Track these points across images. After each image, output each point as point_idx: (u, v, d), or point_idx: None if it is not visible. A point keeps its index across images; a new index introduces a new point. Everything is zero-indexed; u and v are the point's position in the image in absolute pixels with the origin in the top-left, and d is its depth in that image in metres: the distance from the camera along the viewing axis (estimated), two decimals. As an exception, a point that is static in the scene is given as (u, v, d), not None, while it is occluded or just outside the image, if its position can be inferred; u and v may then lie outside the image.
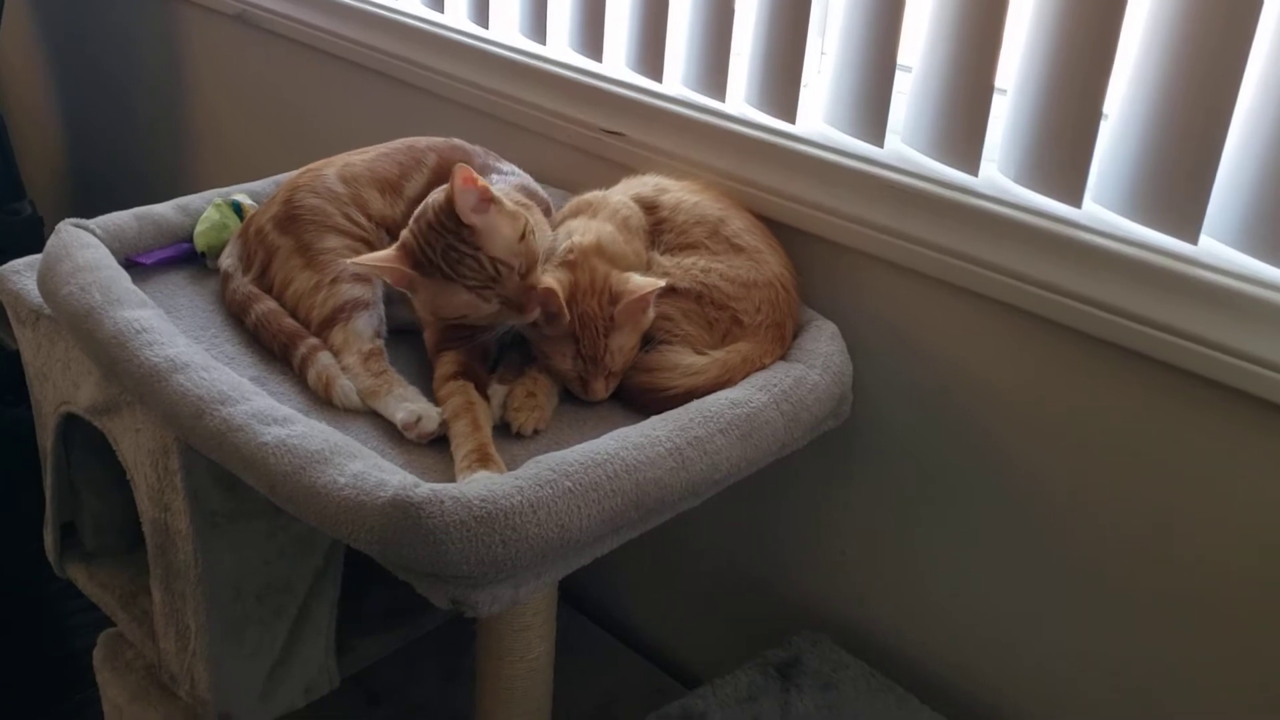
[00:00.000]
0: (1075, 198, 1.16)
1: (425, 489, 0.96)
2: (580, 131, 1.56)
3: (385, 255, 1.15)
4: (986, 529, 1.31)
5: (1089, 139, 1.13)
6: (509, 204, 1.14)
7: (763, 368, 1.20)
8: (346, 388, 1.17)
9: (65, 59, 2.81)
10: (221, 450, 1.07)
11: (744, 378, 1.19)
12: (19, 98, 3.00)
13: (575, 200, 1.34)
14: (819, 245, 1.34)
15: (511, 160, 1.42)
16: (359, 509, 0.97)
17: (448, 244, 1.12)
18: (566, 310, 1.16)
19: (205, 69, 2.32)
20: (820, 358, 1.23)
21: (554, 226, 1.31)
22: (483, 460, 1.06)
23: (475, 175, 1.11)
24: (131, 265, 1.37)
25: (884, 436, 1.37)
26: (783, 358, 1.24)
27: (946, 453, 1.32)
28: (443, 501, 0.94)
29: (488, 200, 1.12)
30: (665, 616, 1.75)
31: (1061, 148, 1.16)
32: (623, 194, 1.34)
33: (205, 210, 1.43)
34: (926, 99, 1.26)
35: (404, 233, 1.16)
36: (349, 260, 1.18)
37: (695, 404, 1.13)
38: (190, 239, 1.43)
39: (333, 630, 1.37)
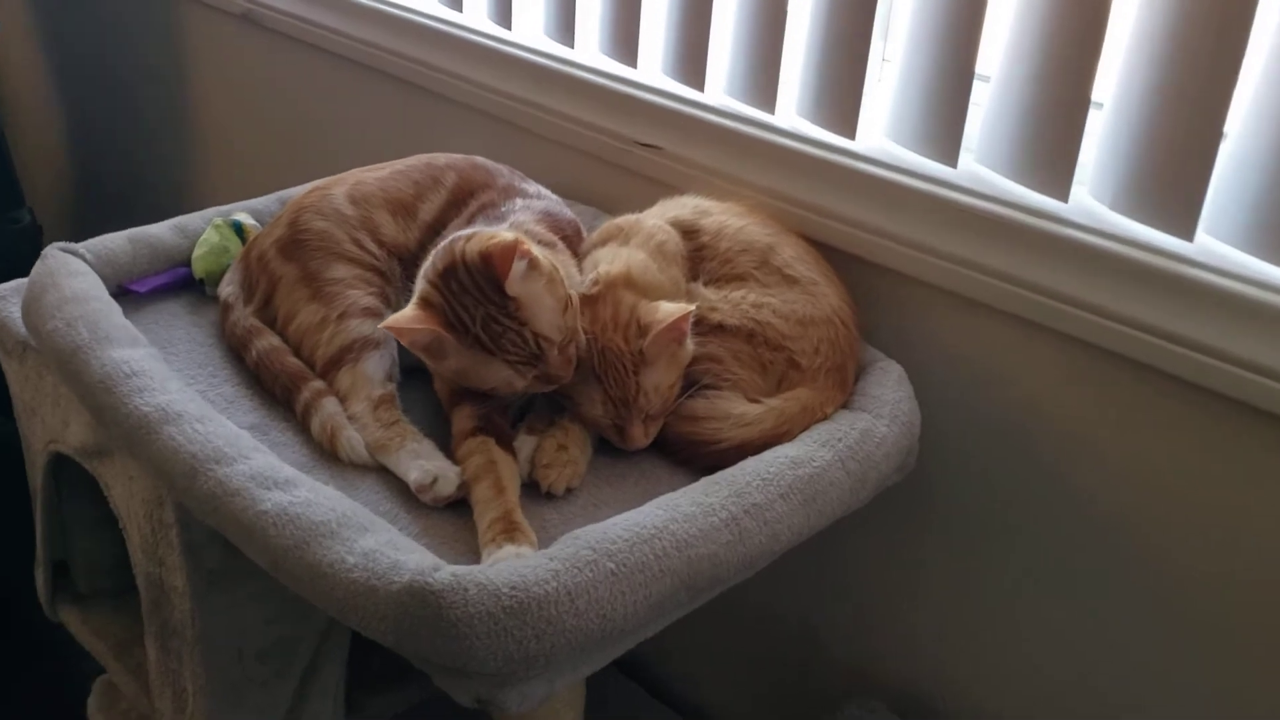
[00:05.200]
0: (1186, 229, 1.08)
1: (446, 574, 0.87)
2: (612, 144, 1.50)
3: (412, 316, 1.05)
4: (1067, 584, 1.24)
5: (1205, 163, 1.05)
6: (546, 263, 1.05)
7: (824, 418, 1.12)
8: (354, 440, 1.08)
9: (66, 59, 2.80)
10: (217, 516, 1.00)
11: (803, 429, 1.10)
12: (18, 100, 3.00)
13: (606, 225, 1.27)
14: (882, 276, 1.28)
15: (536, 175, 1.36)
16: (370, 595, 0.88)
17: (488, 314, 1.03)
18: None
19: (210, 70, 2.31)
20: (888, 405, 1.14)
21: (583, 254, 1.23)
22: (509, 532, 0.96)
23: (524, 242, 1.02)
24: (125, 293, 1.31)
25: (955, 486, 1.30)
26: (845, 405, 1.15)
27: (1025, 503, 1.25)
28: (466, 590, 0.85)
29: (534, 269, 1.04)
30: (705, 671, 1.69)
31: (1170, 172, 1.08)
32: (658, 217, 1.27)
33: (204, 232, 1.36)
34: (1007, 112, 1.19)
35: (425, 286, 1.06)
36: (380, 324, 1.09)
37: (752, 464, 1.04)
38: (188, 263, 1.36)
39: (342, 689, 1.31)
